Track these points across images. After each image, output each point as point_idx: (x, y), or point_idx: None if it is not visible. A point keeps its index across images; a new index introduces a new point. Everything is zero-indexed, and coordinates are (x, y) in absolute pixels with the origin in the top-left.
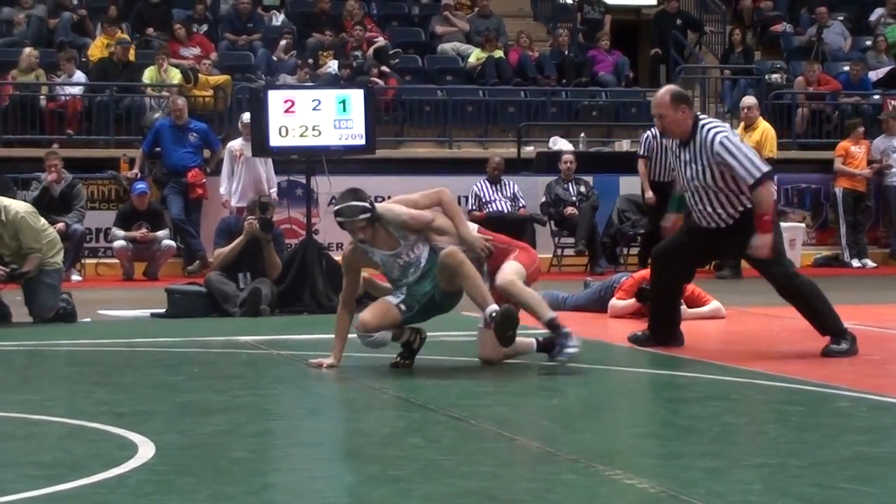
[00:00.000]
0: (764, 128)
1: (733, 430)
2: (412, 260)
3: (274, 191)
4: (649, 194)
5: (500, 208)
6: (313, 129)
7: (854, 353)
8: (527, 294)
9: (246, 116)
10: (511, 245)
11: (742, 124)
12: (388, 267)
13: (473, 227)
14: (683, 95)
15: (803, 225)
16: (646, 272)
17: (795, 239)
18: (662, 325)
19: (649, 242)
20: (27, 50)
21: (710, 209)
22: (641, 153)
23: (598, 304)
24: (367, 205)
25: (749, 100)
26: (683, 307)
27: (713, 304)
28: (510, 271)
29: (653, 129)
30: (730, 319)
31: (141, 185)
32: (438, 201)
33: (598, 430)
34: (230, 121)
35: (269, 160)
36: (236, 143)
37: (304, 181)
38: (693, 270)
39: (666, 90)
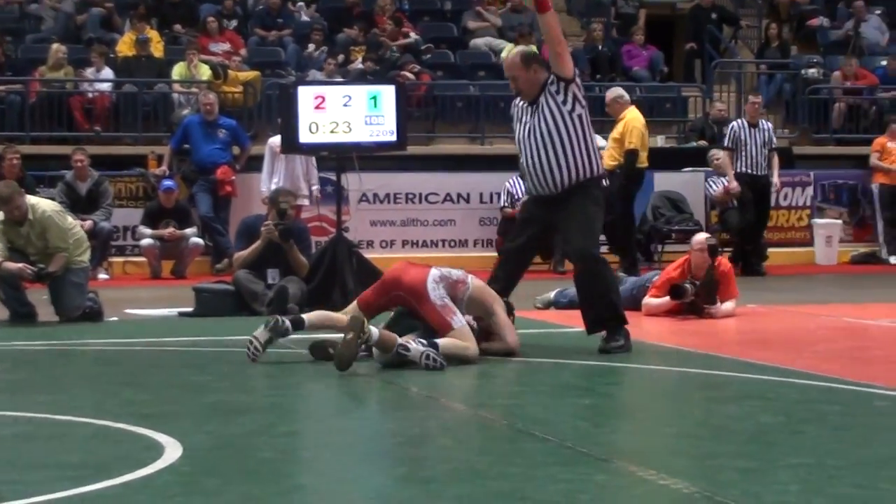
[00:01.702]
0: (629, 118)
1: (769, 429)
2: None
3: (316, 188)
4: (734, 184)
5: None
6: (344, 126)
7: (629, 349)
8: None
9: None
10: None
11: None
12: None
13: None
14: (534, 55)
15: (840, 221)
16: (675, 267)
17: (832, 236)
18: None
19: (749, 237)
20: (55, 46)
21: (547, 169)
22: (727, 144)
23: (630, 303)
24: None
25: (611, 93)
26: (718, 306)
27: (729, 305)
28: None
29: (739, 121)
30: (765, 317)
31: (168, 183)
32: None
33: (631, 429)
34: (260, 117)
35: (313, 158)
36: (276, 140)
37: (334, 178)
38: (534, 253)
39: (516, 52)
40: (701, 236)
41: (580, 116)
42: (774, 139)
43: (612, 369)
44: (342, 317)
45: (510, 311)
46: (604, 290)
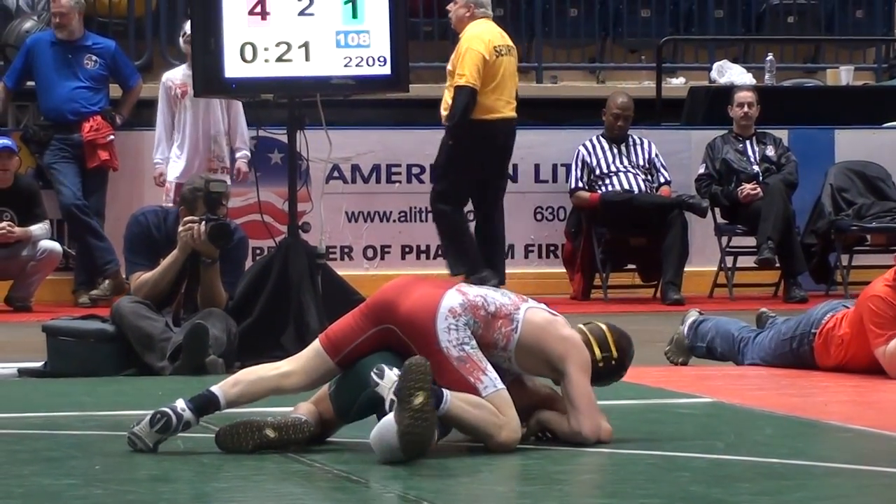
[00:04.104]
0: (466, 35)
1: None
2: None
3: (244, 156)
4: None
5: (624, 185)
6: (300, 49)
7: None
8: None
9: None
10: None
11: None
12: None
13: None
14: None
15: None
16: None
17: None
18: None
19: None
20: None
21: None
22: None
23: (793, 362)
24: None
25: None
26: None
27: None
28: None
29: None
30: None
31: (2, 140)
32: None
33: None
34: (156, 35)
35: (237, 104)
36: (176, 74)
37: (283, 139)
38: None
39: None
40: None
41: None
42: None
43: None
44: (281, 375)
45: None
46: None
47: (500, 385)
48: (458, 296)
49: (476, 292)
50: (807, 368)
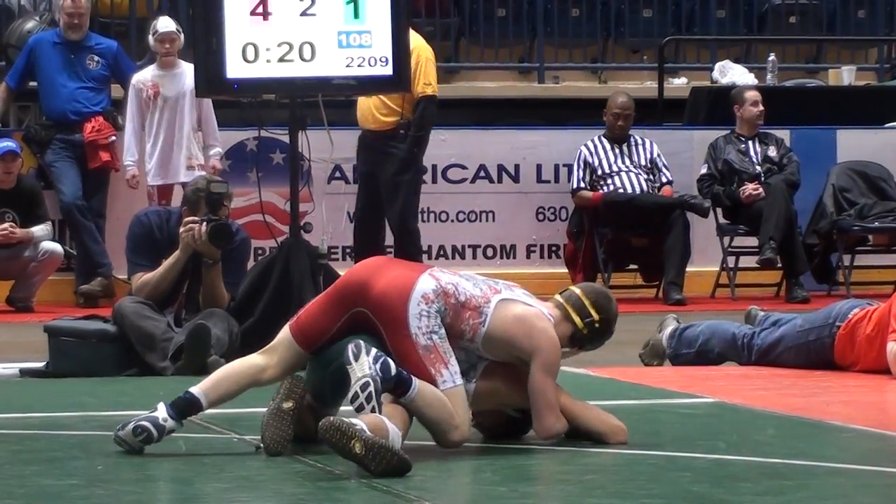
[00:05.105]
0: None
1: None
2: None
3: (216, 153)
4: None
5: (626, 185)
6: (303, 49)
7: None
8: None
9: (164, 23)
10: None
11: None
12: None
13: None
14: None
15: None
16: None
17: None
18: None
19: None
20: None
21: None
22: None
23: (806, 355)
24: None
25: None
26: None
27: None
28: None
29: None
30: None
31: (8, 144)
32: None
33: None
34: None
35: (208, 102)
36: (146, 75)
37: (285, 139)
38: None
39: None
40: None
41: None
42: None
43: None
44: (258, 370)
45: None
46: None
47: (459, 381)
48: (432, 281)
49: (448, 279)
50: (820, 361)
